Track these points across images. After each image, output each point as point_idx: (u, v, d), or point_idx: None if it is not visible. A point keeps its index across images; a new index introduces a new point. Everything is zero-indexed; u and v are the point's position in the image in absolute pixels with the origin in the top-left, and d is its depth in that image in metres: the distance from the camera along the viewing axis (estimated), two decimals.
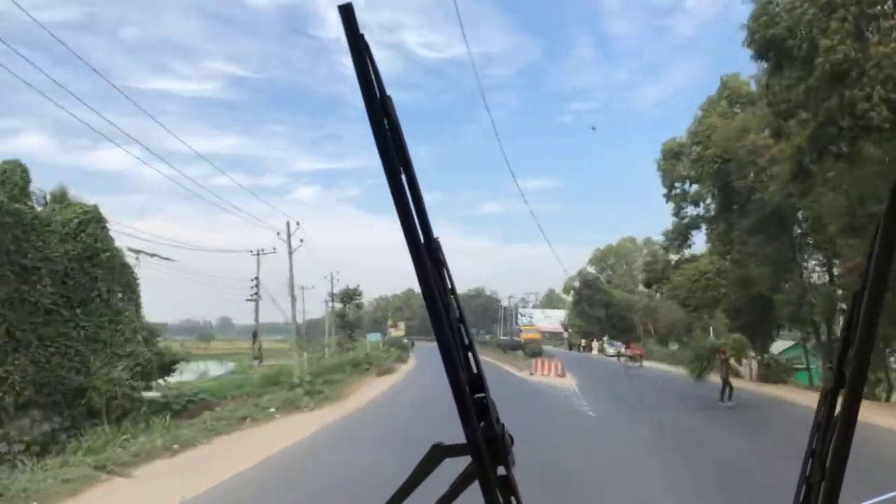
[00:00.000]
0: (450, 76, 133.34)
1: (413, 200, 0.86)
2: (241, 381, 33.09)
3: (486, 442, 0.89)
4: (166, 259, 31.23)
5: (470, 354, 0.92)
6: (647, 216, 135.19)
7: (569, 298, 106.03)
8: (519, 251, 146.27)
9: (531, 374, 36.13)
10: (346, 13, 0.82)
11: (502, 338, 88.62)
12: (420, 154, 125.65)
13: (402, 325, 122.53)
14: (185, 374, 34.89)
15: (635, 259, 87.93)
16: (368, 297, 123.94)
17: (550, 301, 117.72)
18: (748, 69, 29.17)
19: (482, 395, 0.91)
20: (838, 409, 0.95)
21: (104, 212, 18.50)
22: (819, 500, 0.96)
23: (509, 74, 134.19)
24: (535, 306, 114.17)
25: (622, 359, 42.90)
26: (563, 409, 20.44)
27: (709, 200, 36.89)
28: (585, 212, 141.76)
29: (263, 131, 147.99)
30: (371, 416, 19.70)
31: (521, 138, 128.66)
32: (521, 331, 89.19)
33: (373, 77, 0.84)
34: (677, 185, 38.10)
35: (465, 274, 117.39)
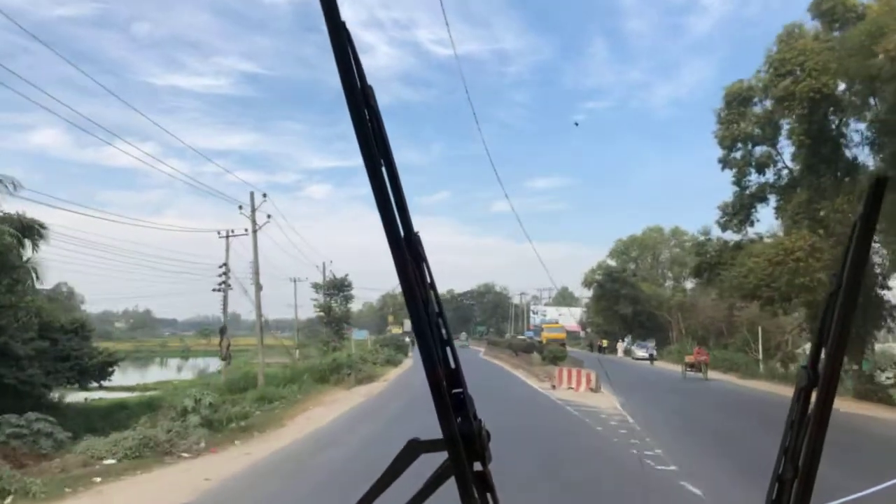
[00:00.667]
0: (463, 73, 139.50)
1: (394, 193, 0.85)
2: (194, 385, 27.25)
3: (462, 438, 0.88)
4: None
5: (448, 350, 0.92)
6: (659, 215, 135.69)
7: (586, 295, 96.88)
8: (530, 250, 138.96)
9: (553, 386, 27.39)
10: (327, 1, 0.81)
11: (520, 337, 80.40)
12: (433, 152, 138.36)
13: (406, 322, 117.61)
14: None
15: (661, 251, 77.41)
16: (376, 294, 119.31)
17: (564, 299, 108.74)
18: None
19: (460, 390, 0.91)
20: (811, 407, 0.96)
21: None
22: (791, 497, 0.97)
23: (523, 72, 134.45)
24: (547, 304, 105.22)
25: (685, 368, 33.74)
26: (623, 469, 11.32)
27: (783, 164, 28.30)
28: (598, 211, 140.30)
29: (276, 128, 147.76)
30: (273, 482, 11.13)
31: (535, 136, 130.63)
32: (541, 329, 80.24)
33: (353, 66, 0.83)
34: (739, 144, 29.33)
35: (474, 271, 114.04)
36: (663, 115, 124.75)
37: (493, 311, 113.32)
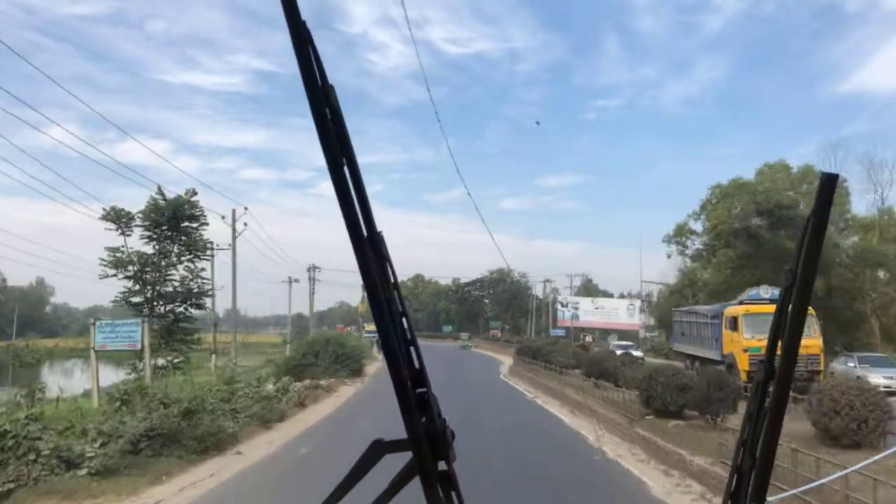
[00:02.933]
0: (474, 71, 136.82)
1: (356, 192, 0.85)
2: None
3: (427, 437, 0.89)
4: None
5: (412, 349, 0.92)
6: (671, 215, 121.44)
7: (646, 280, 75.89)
8: (541, 248, 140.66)
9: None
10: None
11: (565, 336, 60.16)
12: (442, 149, 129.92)
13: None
14: None
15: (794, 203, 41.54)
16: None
17: (588, 291, 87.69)
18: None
19: (424, 389, 0.91)
20: (769, 400, 0.98)
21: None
22: (749, 488, 0.99)
23: (535, 70, 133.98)
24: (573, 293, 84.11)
25: None
26: None
27: None
28: (608, 209, 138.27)
29: (289, 125, 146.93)
30: None
31: (545, 134, 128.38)
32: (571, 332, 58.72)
33: (314, 65, 0.83)
34: None
35: (484, 264, 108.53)
36: (675, 113, 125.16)
37: (508, 304, 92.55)
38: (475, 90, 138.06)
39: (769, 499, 1.00)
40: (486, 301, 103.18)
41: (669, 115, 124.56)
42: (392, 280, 0.92)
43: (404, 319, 0.92)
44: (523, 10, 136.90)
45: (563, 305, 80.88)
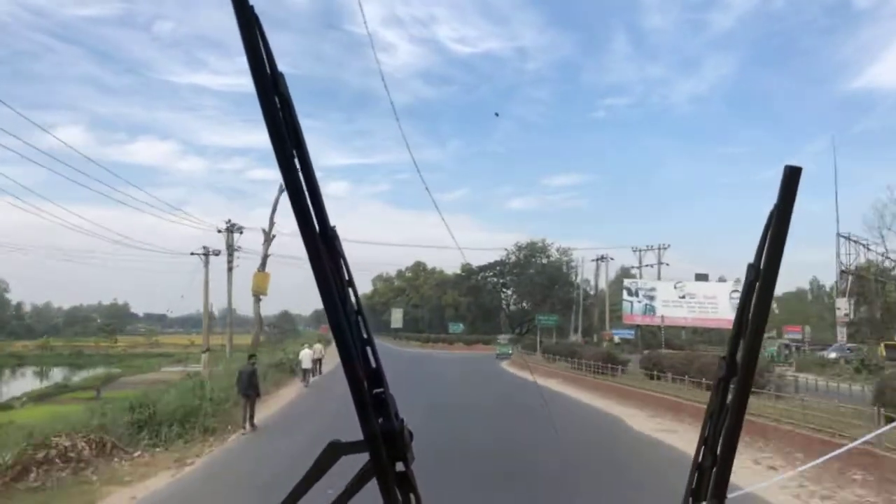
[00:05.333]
0: (482, 70, 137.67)
1: (307, 186, 0.82)
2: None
3: (384, 438, 0.87)
4: None
5: (368, 349, 0.90)
6: (681, 212, 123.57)
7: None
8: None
9: None
10: None
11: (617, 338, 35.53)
12: (450, 149, 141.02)
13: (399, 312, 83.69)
14: None
15: None
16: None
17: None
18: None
19: (381, 390, 0.90)
20: (730, 397, 0.97)
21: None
22: (710, 485, 0.98)
23: (543, 69, 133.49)
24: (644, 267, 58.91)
25: None
26: None
27: None
28: (616, 208, 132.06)
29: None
30: None
31: (553, 133, 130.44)
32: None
33: (263, 52, 0.80)
34: None
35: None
36: (684, 112, 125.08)
37: (545, 290, 66.09)
38: (483, 89, 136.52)
39: (729, 496, 0.98)
40: (508, 291, 77.43)
41: (678, 114, 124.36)
42: (347, 277, 0.89)
43: (360, 318, 0.90)
44: (531, 9, 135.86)
45: (630, 294, 55.31)
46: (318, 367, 29.62)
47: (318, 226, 0.84)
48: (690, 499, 1.02)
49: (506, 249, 71.00)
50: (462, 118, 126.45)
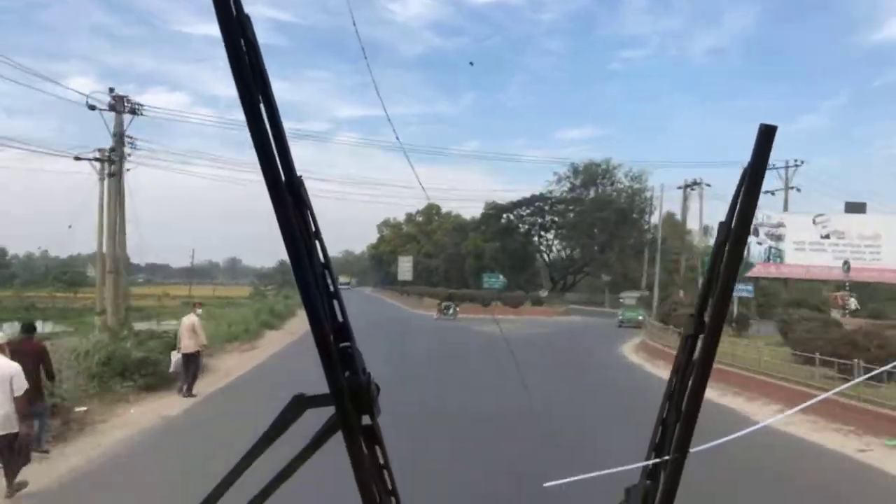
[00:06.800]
0: (495, 21, 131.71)
1: (273, 133, 0.81)
2: None
3: (350, 392, 0.87)
4: None
5: (335, 302, 0.90)
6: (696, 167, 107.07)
7: None
8: None
9: None
10: None
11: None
12: (464, 102, 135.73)
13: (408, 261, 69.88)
14: None
15: None
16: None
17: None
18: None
19: (347, 344, 0.90)
20: (697, 353, 0.97)
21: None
22: (674, 440, 0.99)
23: (558, 20, 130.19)
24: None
25: None
26: None
27: None
28: (632, 163, 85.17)
29: (306, 77, 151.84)
30: None
31: (567, 86, 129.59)
32: None
33: None
34: None
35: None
36: (702, 65, 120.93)
37: (611, 232, 48.03)
38: (496, 40, 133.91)
39: (692, 450, 0.99)
40: (549, 235, 60.10)
41: (696, 67, 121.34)
42: (314, 229, 0.88)
43: (326, 271, 0.89)
44: None
45: (773, 239, 38.09)
46: (195, 364, 13.53)
47: (284, 175, 0.81)
48: (653, 453, 1.03)
49: (556, 174, 53.72)
50: (475, 70, 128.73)
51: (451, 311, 38.23)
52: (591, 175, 51.04)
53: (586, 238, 51.26)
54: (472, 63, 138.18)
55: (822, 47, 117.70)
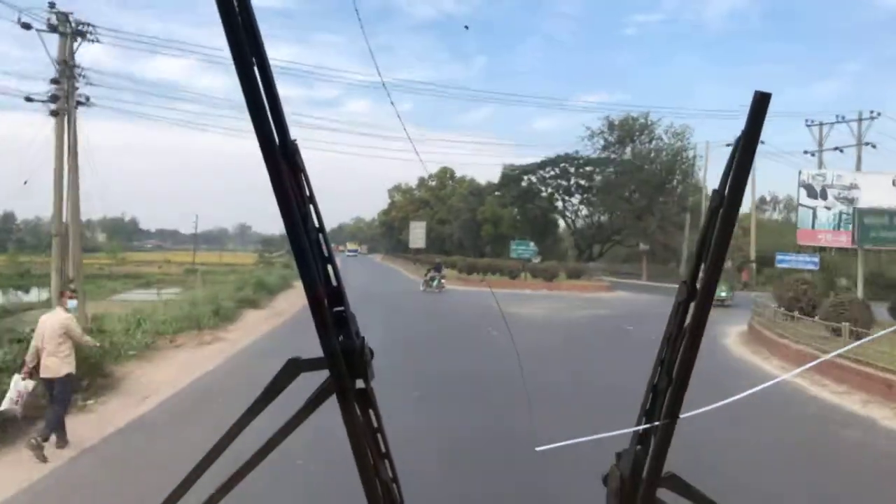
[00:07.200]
0: None
1: (267, 96, 0.80)
2: None
3: (344, 355, 0.88)
4: None
5: (329, 267, 0.90)
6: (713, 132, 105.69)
7: None
8: None
9: None
10: None
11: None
12: (476, 65, 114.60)
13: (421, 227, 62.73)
14: None
15: None
16: None
17: None
18: None
19: (342, 308, 0.90)
20: (688, 320, 0.98)
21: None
22: (664, 406, 0.99)
23: None
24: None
25: None
26: None
27: None
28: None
29: (316, 41, 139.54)
30: None
31: (581, 50, 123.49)
32: None
33: None
34: None
35: None
36: (718, 29, 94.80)
37: (651, 195, 42.07)
38: (509, 2, 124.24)
39: (682, 415, 0.99)
40: (573, 200, 54.88)
41: (712, 31, 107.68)
42: (308, 193, 0.88)
43: (321, 236, 0.89)
44: None
45: (812, 195, 33.15)
46: (64, 395, 7.69)
47: (278, 138, 0.81)
48: (644, 418, 1.03)
49: (588, 129, 48.11)
50: (485, 34, 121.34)
51: (435, 282, 31.25)
52: (627, 131, 45.65)
53: (622, 202, 45.94)
54: (466, 27, 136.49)
55: (841, 10, 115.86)
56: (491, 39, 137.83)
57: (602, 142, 46.79)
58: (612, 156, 46.52)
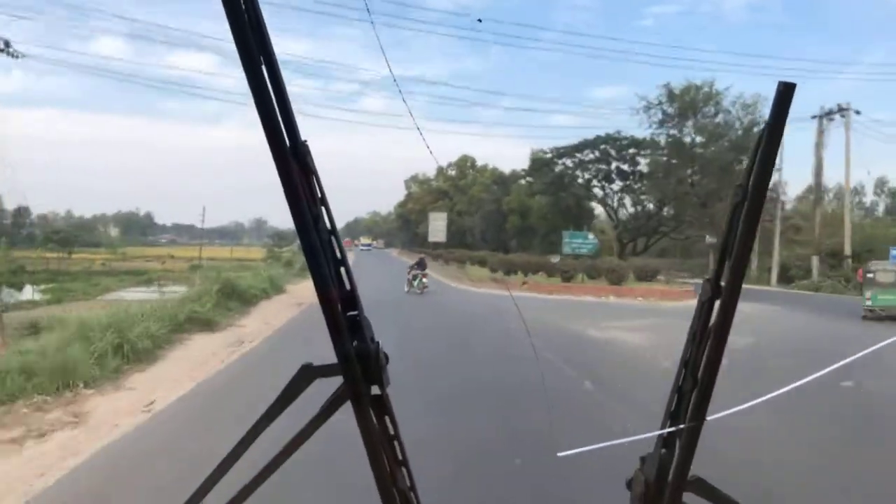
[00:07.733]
0: None
1: (276, 96, 0.78)
2: None
3: (359, 361, 0.86)
4: None
5: (343, 270, 0.88)
6: None
7: None
8: None
9: None
10: None
11: None
12: (491, 59, 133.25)
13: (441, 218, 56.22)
14: None
15: None
16: None
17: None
18: None
19: (355, 312, 0.88)
20: (713, 319, 0.95)
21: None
22: (690, 407, 0.98)
23: None
24: None
25: None
26: None
27: None
28: None
29: (332, 35, 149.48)
30: None
31: (598, 43, 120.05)
32: None
33: None
34: None
35: None
36: (737, 21, 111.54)
37: (716, 189, 34.66)
38: None
39: (708, 418, 0.96)
40: (614, 186, 47.77)
41: (731, 22, 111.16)
42: (320, 195, 0.86)
43: (333, 238, 0.87)
44: None
45: None
46: None
47: (288, 140, 0.79)
48: (669, 420, 1.01)
49: (643, 99, 40.31)
50: (504, 27, 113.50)
51: (417, 281, 25.36)
52: (690, 101, 38.42)
53: (680, 187, 38.82)
54: (480, 20, 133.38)
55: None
56: (508, 33, 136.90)
57: (660, 114, 39.61)
58: (671, 131, 39.31)
